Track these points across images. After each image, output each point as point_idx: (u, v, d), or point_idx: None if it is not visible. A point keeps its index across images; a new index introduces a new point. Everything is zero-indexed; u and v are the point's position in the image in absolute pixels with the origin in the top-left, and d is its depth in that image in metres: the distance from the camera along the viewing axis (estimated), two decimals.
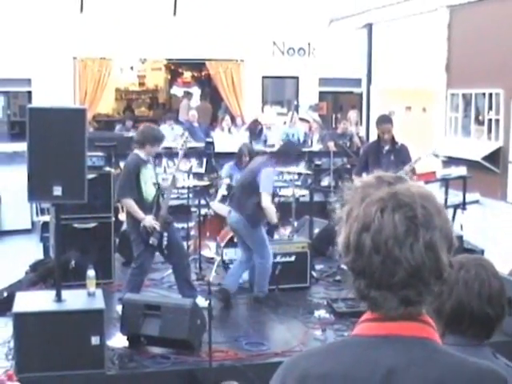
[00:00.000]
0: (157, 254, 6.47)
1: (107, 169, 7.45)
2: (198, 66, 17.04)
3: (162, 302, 5.46)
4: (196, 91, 18.46)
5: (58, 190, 4.81)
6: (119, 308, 5.68)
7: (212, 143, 11.70)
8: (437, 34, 12.80)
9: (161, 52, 14.60)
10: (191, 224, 8.22)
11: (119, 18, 13.61)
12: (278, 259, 6.96)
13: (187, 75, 18.90)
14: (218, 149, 11.29)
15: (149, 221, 5.97)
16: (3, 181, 9.88)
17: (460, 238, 6.87)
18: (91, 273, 5.15)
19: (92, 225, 7.14)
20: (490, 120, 11.59)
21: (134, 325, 5.30)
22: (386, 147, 7.15)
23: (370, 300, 1.31)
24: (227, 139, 11.93)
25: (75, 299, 5.07)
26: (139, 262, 6.10)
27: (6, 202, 9.87)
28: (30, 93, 13.68)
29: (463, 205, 7.81)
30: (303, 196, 9.08)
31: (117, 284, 6.98)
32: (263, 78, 15.18)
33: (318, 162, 11.23)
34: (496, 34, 11.19)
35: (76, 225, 7.05)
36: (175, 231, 6.45)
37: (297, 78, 15.40)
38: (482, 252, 7.30)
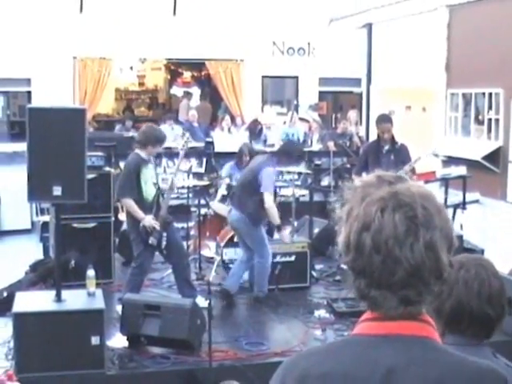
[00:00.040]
0: (157, 253, 6.47)
1: (107, 169, 7.45)
2: (197, 65, 17.04)
3: (161, 302, 5.46)
4: (196, 91, 18.46)
5: (57, 190, 4.81)
6: (119, 308, 5.68)
7: (212, 143, 11.70)
8: (436, 33, 12.80)
9: (160, 52, 14.61)
10: (191, 224, 8.22)
11: (119, 17, 13.61)
12: (278, 259, 6.96)
13: (187, 75, 18.90)
14: (218, 149, 11.29)
15: (148, 221, 5.97)
16: (3, 181, 9.88)
17: (460, 237, 6.87)
18: (91, 273, 5.15)
19: (92, 225, 7.14)
20: (490, 120, 11.59)
21: (134, 325, 5.30)
22: (386, 147, 7.15)
23: (370, 299, 1.31)
24: (227, 139, 11.93)
25: (75, 299, 5.07)
26: (139, 262, 6.10)
27: (5, 202, 9.87)
28: (29, 93, 13.68)
29: (463, 204, 7.80)
30: (303, 196, 9.08)
31: (117, 284, 6.98)
32: (263, 77, 15.19)
33: (317, 162, 11.23)
34: (496, 33, 11.19)
35: (76, 225, 7.04)
36: (175, 231, 6.45)
37: (296, 77, 15.40)
38: (482, 252, 7.30)
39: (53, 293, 5.03)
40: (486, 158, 11.19)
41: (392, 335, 1.30)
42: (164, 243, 6.09)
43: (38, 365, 4.77)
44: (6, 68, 12.96)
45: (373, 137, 9.18)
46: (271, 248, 6.67)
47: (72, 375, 4.83)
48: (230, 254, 7.25)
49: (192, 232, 8.21)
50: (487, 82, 11.38)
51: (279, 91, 16.36)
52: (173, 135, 11.77)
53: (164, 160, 10.48)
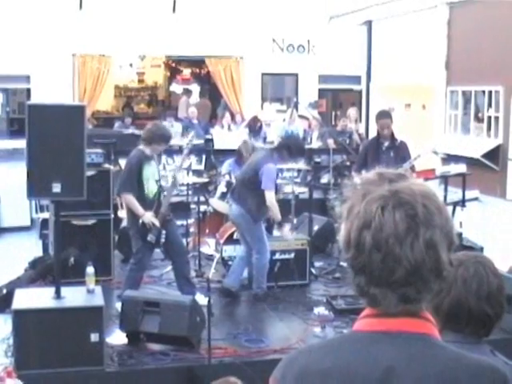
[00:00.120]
0: (157, 250, 6.47)
1: (106, 166, 7.42)
2: (197, 62, 17.04)
3: (161, 299, 5.46)
4: (195, 88, 18.46)
5: (57, 187, 4.80)
6: (118, 305, 5.68)
7: (211, 140, 11.69)
8: (436, 31, 12.80)
9: (160, 49, 14.60)
10: (190, 221, 8.22)
11: (118, 14, 13.60)
12: (278, 256, 6.96)
13: (186, 72, 18.89)
14: (218, 146, 11.28)
15: (148, 217, 5.96)
16: (2, 178, 9.88)
17: (459, 235, 6.87)
18: (90, 270, 5.15)
19: (91, 222, 7.14)
20: (490, 117, 11.59)
21: (134, 322, 5.30)
22: (386, 143, 7.14)
23: (370, 297, 1.31)
24: (226, 136, 11.93)
25: (74, 296, 5.07)
26: (137, 258, 6.10)
27: (5, 199, 9.86)
28: (28, 90, 13.68)
29: (462, 202, 7.80)
30: (303, 193, 9.07)
31: (116, 281, 6.97)
32: (263, 75, 15.18)
33: (317, 160, 11.22)
34: (496, 31, 11.18)
35: (75, 222, 7.04)
36: (175, 228, 6.43)
37: (296, 75, 15.40)
38: (482, 249, 7.30)
39: (52, 290, 5.03)
40: (485, 155, 11.20)
41: (392, 332, 1.30)
42: (163, 240, 6.08)
43: (37, 361, 4.77)
44: (5, 65, 12.96)
45: (372, 134, 9.18)
46: (270, 245, 6.67)
47: (71, 372, 4.83)
48: (229, 251, 7.25)
49: (191, 229, 8.21)
50: (487, 80, 11.38)
51: (279, 88, 16.35)
52: (173, 132, 11.75)
53: (163, 157, 10.47)
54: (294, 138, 8.07)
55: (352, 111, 12.33)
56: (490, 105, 11.57)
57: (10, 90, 14.12)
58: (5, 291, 6.22)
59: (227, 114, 12.91)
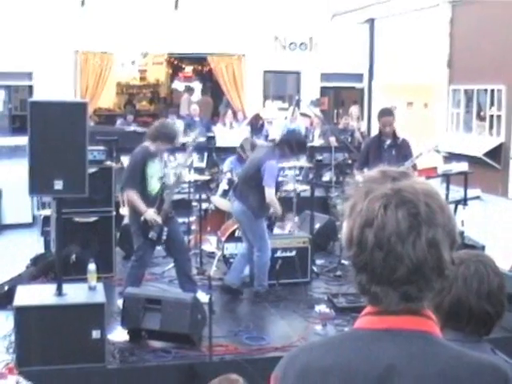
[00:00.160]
0: (158, 248, 6.47)
1: (108, 163, 7.42)
2: (199, 60, 17.02)
3: (162, 296, 5.47)
4: (197, 86, 18.46)
5: (58, 184, 4.81)
6: (120, 302, 5.68)
7: (213, 138, 11.69)
8: (439, 29, 12.78)
9: (162, 46, 14.58)
10: (192, 218, 8.22)
11: (120, 11, 13.60)
12: (279, 254, 6.97)
13: (188, 69, 18.88)
14: (219, 143, 11.28)
15: (150, 214, 5.96)
16: (4, 175, 9.89)
17: (461, 233, 6.87)
18: (92, 267, 5.16)
19: (93, 219, 7.15)
20: (492, 116, 11.58)
21: (135, 319, 5.31)
22: (388, 142, 7.14)
23: (371, 295, 1.32)
24: (228, 134, 11.93)
25: (76, 293, 5.08)
26: (139, 255, 6.10)
27: (7, 195, 9.87)
28: (31, 87, 13.68)
29: (464, 201, 7.79)
30: (304, 191, 9.07)
31: (118, 278, 6.98)
32: (265, 72, 15.17)
33: (319, 157, 11.21)
34: (498, 29, 11.17)
35: (77, 219, 7.05)
36: (177, 226, 6.43)
37: (298, 72, 15.38)
38: (483, 248, 7.29)
39: (54, 286, 5.04)
40: (487, 154, 11.19)
41: (393, 329, 1.30)
42: (164, 238, 6.07)
43: (38, 358, 4.78)
44: (7, 62, 12.96)
45: (374, 132, 9.17)
46: (272, 243, 6.67)
47: (73, 369, 4.84)
48: (230, 248, 7.25)
49: (193, 227, 8.22)
50: (489, 79, 11.36)
51: (281, 86, 16.34)
52: None
53: (165, 154, 10.45)
54: (296, 133, 8.05)
55: (354, 109, 12.33)
56: (492, 103, 11.56)
57: (12, 87, 14.11)
58: (6, 288, 6.22)
59: (229, 112, 12.90)
